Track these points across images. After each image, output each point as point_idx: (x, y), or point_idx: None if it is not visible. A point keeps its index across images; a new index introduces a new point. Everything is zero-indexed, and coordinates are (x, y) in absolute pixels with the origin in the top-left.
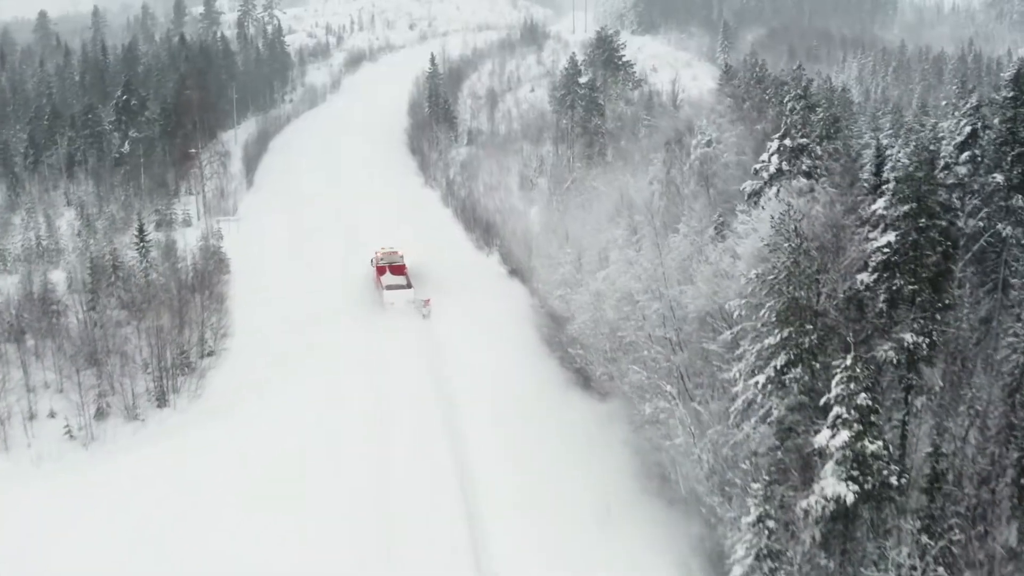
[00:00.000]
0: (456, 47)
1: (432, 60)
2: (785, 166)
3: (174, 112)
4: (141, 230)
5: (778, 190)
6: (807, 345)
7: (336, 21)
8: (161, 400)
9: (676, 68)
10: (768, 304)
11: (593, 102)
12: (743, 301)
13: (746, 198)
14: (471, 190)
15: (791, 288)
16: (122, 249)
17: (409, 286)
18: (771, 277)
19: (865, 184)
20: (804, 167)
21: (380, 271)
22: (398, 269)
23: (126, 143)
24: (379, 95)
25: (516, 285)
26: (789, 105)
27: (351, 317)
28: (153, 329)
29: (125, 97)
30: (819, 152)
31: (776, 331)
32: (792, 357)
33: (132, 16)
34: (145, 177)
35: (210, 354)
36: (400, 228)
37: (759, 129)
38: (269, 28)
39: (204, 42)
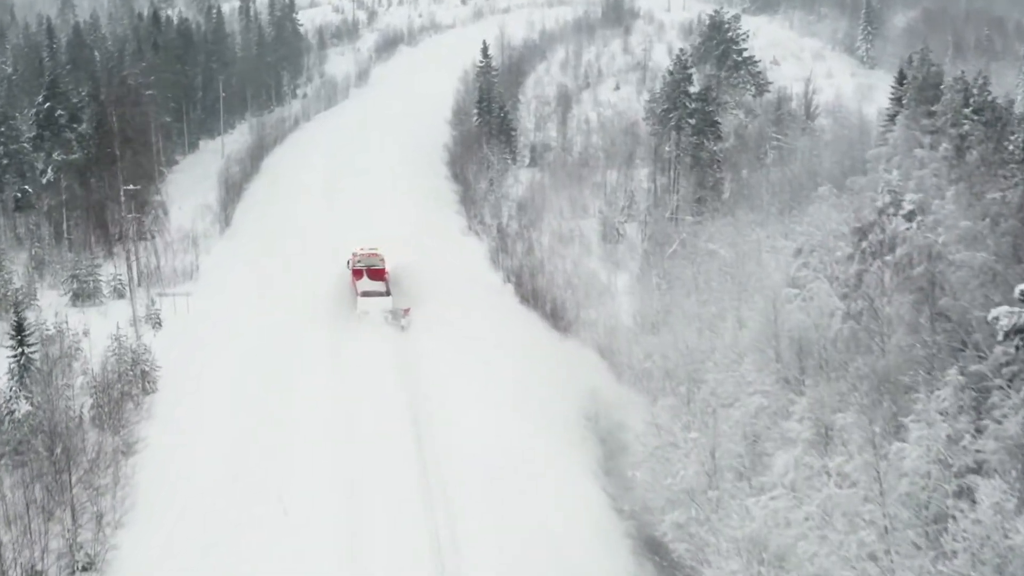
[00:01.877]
0: (519, 28)
1: (485, 51)
2: None
3: (107, 134)
4: (20, 328)
5: None
6: None
7: None
8: None
9: (804, 61)
10: None
11: (707, 119)
12: None
13: (1002, 337)
14: (531, 243)
15: None
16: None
17: (388, 294)
18: None
19: None
20: None
21: (356, 275)
22: (377, 273)
23: (49, 169)
24: (416, 92)
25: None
26: None
27: (334, 470)
28: None
29: (48, 104)
30: None
31: None
32: None
33: None
34: (70, 221)
35: (85, 569)
36: (427, 302)
37: (998, 199)
38: (280, 2)
39: (184, 21)
